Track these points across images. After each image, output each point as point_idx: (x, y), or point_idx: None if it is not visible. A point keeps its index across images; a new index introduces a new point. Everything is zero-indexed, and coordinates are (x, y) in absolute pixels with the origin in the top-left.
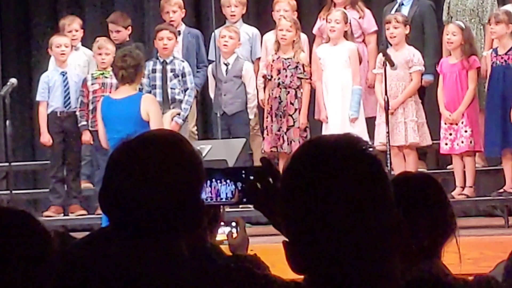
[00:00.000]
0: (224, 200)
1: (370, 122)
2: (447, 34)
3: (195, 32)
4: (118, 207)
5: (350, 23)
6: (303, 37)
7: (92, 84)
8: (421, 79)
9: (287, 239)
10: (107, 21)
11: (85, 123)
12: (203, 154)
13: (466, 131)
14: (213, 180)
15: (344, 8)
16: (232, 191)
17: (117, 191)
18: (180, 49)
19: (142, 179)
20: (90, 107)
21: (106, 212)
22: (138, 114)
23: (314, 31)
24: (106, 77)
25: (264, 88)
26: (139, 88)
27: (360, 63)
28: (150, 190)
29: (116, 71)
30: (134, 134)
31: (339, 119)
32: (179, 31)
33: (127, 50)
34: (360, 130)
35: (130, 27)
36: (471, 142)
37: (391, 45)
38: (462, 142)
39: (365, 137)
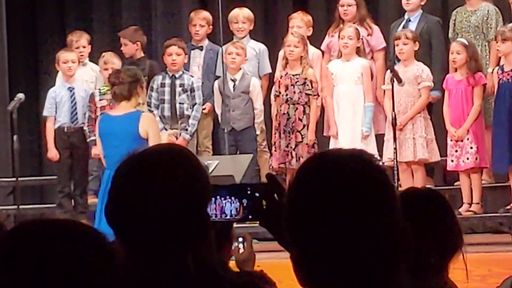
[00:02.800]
0: (228, 217)
1: (379, 139)
2: (452, 53)
3: (217, 48)
4: (124, 221)
5: (362, 39)
6: (317, 52)
7: (100, 100)
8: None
9: (292, 257)
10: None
11: (94, 138)
12: (210, 170)
13: (471, 148)
14: (218, 197)
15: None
16: (236, 208)
17: (124, 205)
18: (200, 64)
19: (148, 192)
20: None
21: (112, 226)
22: (136, 131)
23: (323, 47)
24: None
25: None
26: (147, 102)
27: (372, 79)
28: (156, 203)
29: (110, 88)
30: (131, 150)
31: (349, 135)
32: (201, 46)
33: (123, 68)
34: (371, 147)
35: (138, 43)
36: (476, 158)
37: (399, 61)
38: (468, 158)
39: (376, 154)
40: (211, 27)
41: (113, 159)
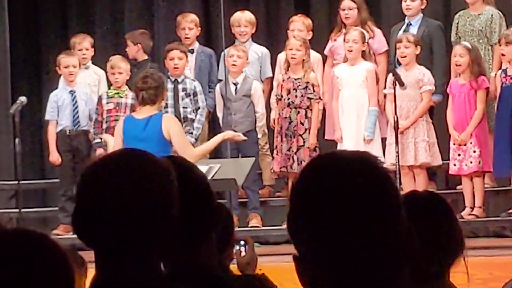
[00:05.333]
0: None
1: (381, 143)
2: (455, 56)
3: (208, 51)
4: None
5: (367, 42)
6: (317, 56)
7: (107, 103)
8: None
9: (295, 259)
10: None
11: (99, 140)
12: (212, 173)
13: (474, 152)
14: None
15: None
16: None
17: (89, 212)
18: (192, 67)
19: (112, 197)
20: (104, 126)
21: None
22: (160, 134)
23: (326, 51)
24: (121, 97)
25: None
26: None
27: (377, 83)
28: (120, 207)
29: (137, 92)
30: (156, 154)
31: (354, 139)
32: (192, 49)
33: (148, 72)
34: (376, 151)
35: (139, 44)
36: (479, 162)
37: (400, 64)
38: (471, 162)
39: (381, 158)
40: (199, 29)
41: None
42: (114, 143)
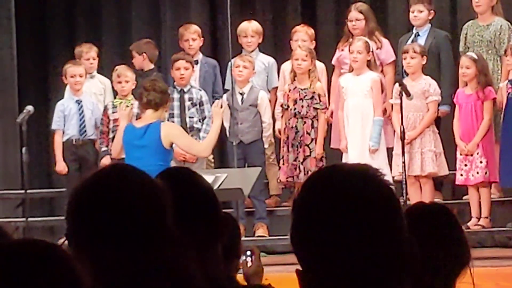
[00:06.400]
0: None
1: (388, 153)
2: (461, 68)
3: (212, 61)
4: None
5: (372, 51)
6: (321, 66)
7: (113, 112)
8: (438, 109)
9: (297, 271)
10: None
11: (105, 149)
12: (219, 183)
13: (481, 162)
14: None
15: None
16: None
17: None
18: (196, 78)
19: (107, 209)
20: (110, 135)
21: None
22: (158, 142)
23: (333, 61)
24: (127, 106)
25: (282, 117)
26: None
27: (382, 93)
28: (114, 218)
29: (142, 94)
30: (154, 162)
31: (358, 149)
32: (196, 60)
33: (158, 77)
34: (381, 161)
35: (144, 54)
36: (486, 173)
37: (407, 75)
38: (477, 173)
39: (386, 168)
40: (202, 39)
41: None
42: (114, 150)
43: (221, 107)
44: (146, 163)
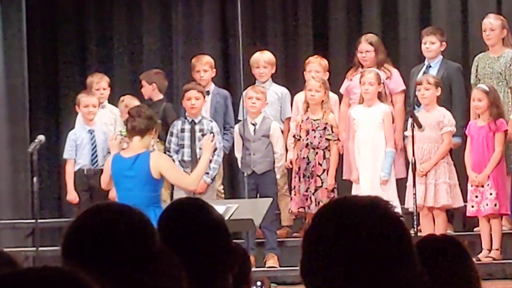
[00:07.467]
0: None
1: (398, 184)
2: (473, 100)
3: (224, 92)
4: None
5: (383, 82)
6: (334, 97)
7: (121, 142)
8: None
9: None
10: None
11: None
12: (230, 214)
13: (491, 194)
14: None
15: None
16: None
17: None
18: (208, 109)
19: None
20: None
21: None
22: (147, 172)
23: (342, 90)
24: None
25: (294, 148)
26: (167, 147)
27: (393, 123)
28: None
29: (127, 121)
30: (144, 193)
31: (369, 181)
32: (208, 91)
33: (142, 106)
34: (391, 193)
35: (154, 84)
36: (495, 205)
37: (419, 105)
38: (487, 204)
39: (395, 200)
40: (214, 70)
41: (127, 202)
42: (103, 181)
43: (212, 141)
44: (137, 194)
